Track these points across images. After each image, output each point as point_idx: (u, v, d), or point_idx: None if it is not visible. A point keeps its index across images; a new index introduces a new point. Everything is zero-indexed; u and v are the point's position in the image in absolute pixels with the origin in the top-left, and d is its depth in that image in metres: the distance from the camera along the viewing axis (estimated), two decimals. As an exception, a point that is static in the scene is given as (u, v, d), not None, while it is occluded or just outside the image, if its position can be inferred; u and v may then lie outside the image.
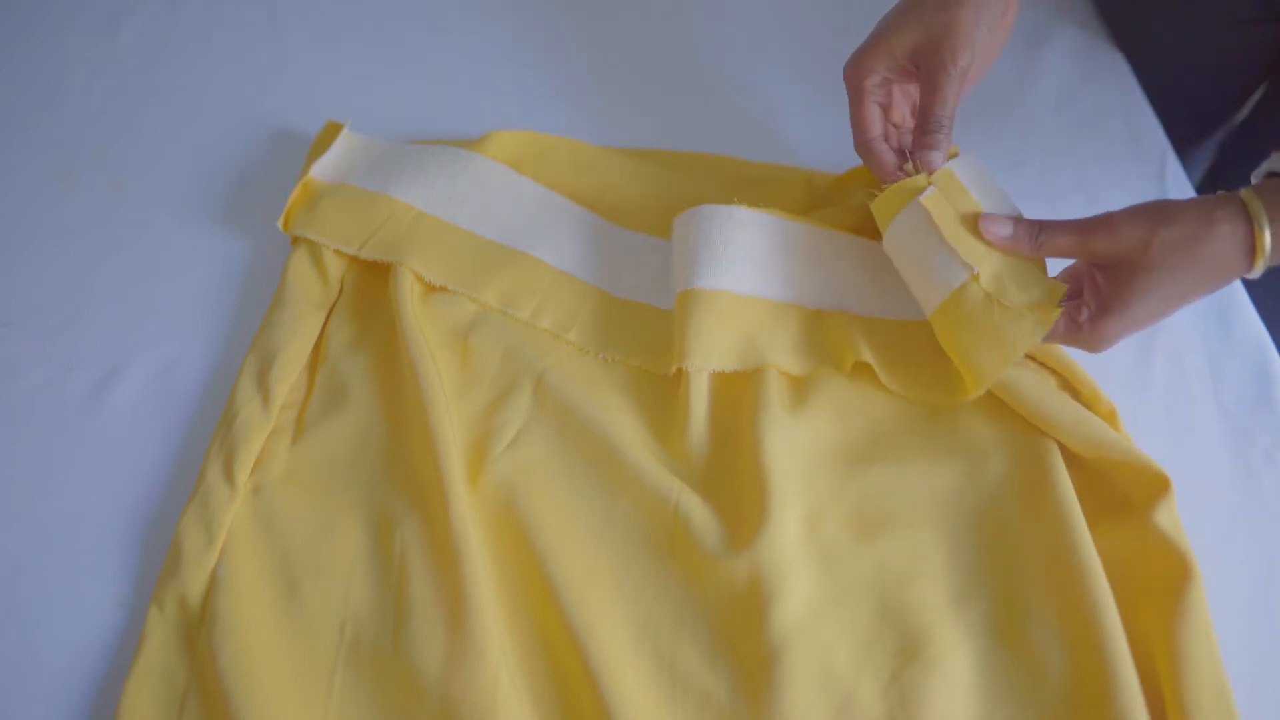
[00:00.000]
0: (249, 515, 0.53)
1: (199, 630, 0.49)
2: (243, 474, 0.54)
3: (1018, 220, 0.55)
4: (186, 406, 0.59)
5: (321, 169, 0.66)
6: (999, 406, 0.57)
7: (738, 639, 0.50)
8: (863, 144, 0.60)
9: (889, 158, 0.59)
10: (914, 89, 0.61)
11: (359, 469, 0.56)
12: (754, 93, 0.79)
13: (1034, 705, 0.48)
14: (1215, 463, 0.58)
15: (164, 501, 0.55)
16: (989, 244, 0.54)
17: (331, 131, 0.70)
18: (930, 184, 0.55)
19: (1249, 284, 0.66)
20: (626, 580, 0.52)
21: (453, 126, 0.74)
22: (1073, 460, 0.55)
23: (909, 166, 0.57)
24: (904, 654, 0.50)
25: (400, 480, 0.55)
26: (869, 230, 0.63)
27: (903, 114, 0.62)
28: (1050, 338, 0.54)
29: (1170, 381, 0.61)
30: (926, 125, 0.56)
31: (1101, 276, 0.54)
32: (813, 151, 0.73)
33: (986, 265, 0.54)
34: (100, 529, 0.54)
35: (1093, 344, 0.54)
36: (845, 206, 0.65)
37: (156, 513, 0.55)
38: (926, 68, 0.57)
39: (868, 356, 0.58)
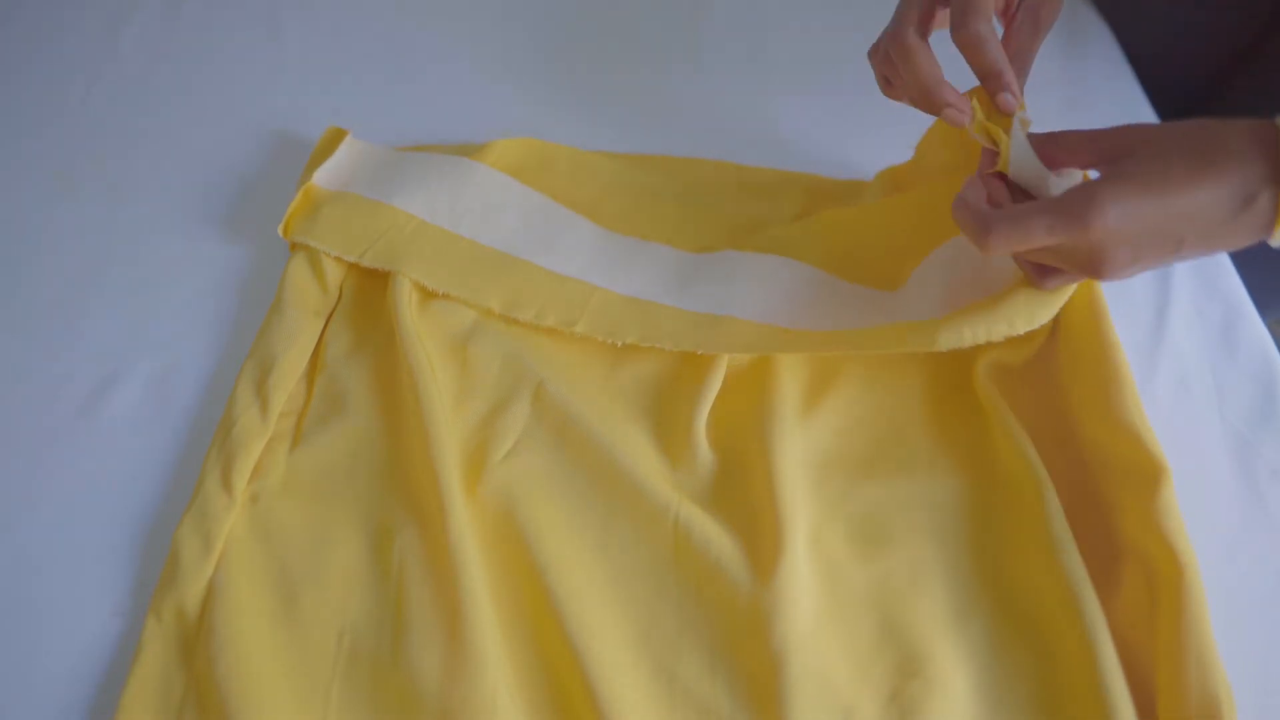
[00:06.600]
0: (247, 524, 0.53)
1: (196, 640, 0.49)
2: (240, 482, 0.54)
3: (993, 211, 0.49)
4: (184, 414, 0.59)
5: (324, 176, 0.66)
6: (995, 421, 0.57)
7: (739, 652, 0.50)
8: (936, 95, 0.52)
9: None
10: None
11: (357, 477, 0.55)
12: (755, 98, 0.78)
13: None
14: (1220, 479, 0.58)
15: (161, 510, 0.55)
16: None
17: (333, 137, 0.70)
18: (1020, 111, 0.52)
19: (1256, 298, 0.65)
20: (626, 592, 0.52)
21: (453, 132, 0.74)
22: (1066, 460, 0.54)
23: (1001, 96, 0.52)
24: (904, 671, 0.49)
25: (398, 489, 0.55)
26: (870, 239, 0.63)
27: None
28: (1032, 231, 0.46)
29: (1175, 397, 0.61)
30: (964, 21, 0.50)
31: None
32: (814, 157, 0.73)
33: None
34: (97, 538, 0.54)
35: (1082, 215, 0.45)
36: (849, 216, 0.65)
37: (154, 521, 0.54)
38: None
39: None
